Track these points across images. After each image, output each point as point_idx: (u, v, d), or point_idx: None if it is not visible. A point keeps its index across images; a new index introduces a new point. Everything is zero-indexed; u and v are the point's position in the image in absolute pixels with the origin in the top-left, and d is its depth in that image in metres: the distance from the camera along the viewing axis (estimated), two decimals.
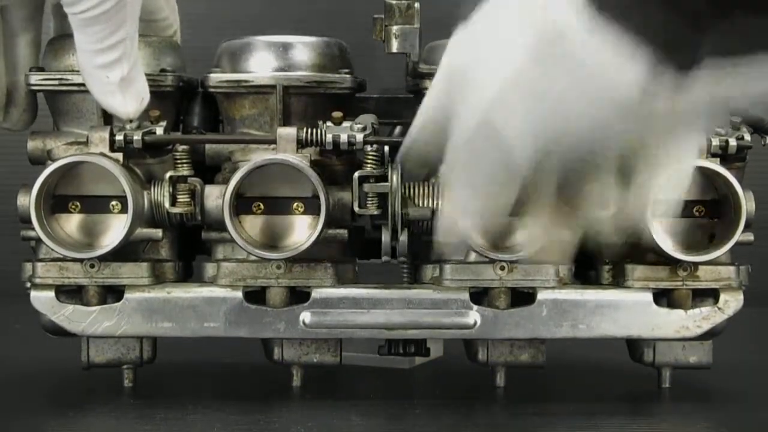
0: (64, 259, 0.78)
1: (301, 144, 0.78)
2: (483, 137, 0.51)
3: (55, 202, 0.78)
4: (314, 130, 0.78)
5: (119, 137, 0.78)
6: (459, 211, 0.57)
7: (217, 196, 0.78)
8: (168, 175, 0.78)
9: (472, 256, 0.79)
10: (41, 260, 0.80)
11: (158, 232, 0.79)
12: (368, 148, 0.78)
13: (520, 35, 0.49)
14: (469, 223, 0.58)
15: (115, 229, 0.78)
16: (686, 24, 0.45)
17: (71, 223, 0.79)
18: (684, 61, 0.46)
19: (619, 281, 0.80)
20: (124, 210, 0.77)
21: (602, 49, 0.46)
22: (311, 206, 0.78)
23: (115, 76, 0.76)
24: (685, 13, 0.45)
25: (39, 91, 0.82)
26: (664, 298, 0.80)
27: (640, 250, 0.79)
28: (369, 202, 0.77)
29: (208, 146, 0.83)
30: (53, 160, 0.78)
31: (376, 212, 0.77)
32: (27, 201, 0.77)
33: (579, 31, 0.46)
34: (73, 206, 0.79)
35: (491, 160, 0.52)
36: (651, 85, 0.46)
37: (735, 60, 0.46)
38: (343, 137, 0.78)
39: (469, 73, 0.52)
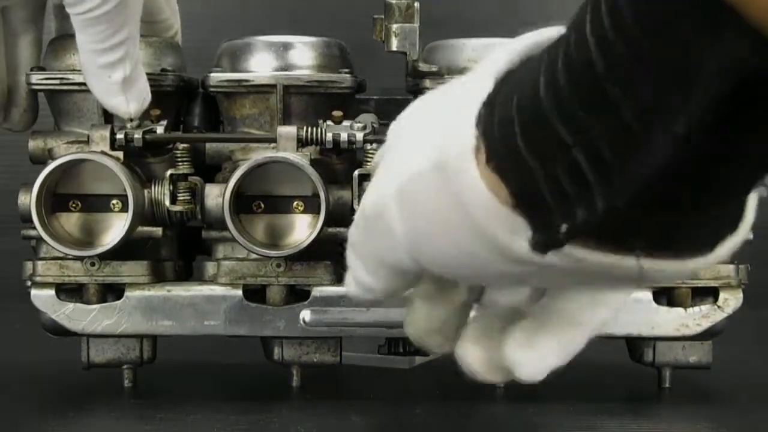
0: (64, 258, 0.78)
1: (302, 143, 0.78)
2: (375, 222, 0.47)
3: (55, 201, 0.78)
4: (314, 129, 0.78)
5: (120, 136, 0.78)
6: (356, 275, 0.51)
7: (217, 195, 0.78)
8: (168, 173, 0.79)
9: None
10: (42, 259, 0.80)
11: (158, 231, 0.79)
12: (368, 146, 0.78)
13: (428, 144, 0.44)
14: (362, 289, 0.53)
15: (116, 227, 0.78)
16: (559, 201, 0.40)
17: (72, 221, 0.79)
18: (553, 234, 0.40)
19: None
20: (124, 208, 0.77)
21: (483, 197, 0.41)
22: (311, 205, 0.78)
23: (117, 76, 0.76)
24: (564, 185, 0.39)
25: (40, 90, 0.82)
26: (663, 296, 0.80)
27: None
28: None
29: (208, 145, 0.83)
30: (54, 159, 0.78)
31: None
32: (27, 200, 0.77)
33: (466, 175, 0.41)
34: (74, 205, 0.79)
35: (380, 246, 0.48)
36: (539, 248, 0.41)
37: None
38: (343, 136, 0.78)
39: (391, 152, 0.48)
